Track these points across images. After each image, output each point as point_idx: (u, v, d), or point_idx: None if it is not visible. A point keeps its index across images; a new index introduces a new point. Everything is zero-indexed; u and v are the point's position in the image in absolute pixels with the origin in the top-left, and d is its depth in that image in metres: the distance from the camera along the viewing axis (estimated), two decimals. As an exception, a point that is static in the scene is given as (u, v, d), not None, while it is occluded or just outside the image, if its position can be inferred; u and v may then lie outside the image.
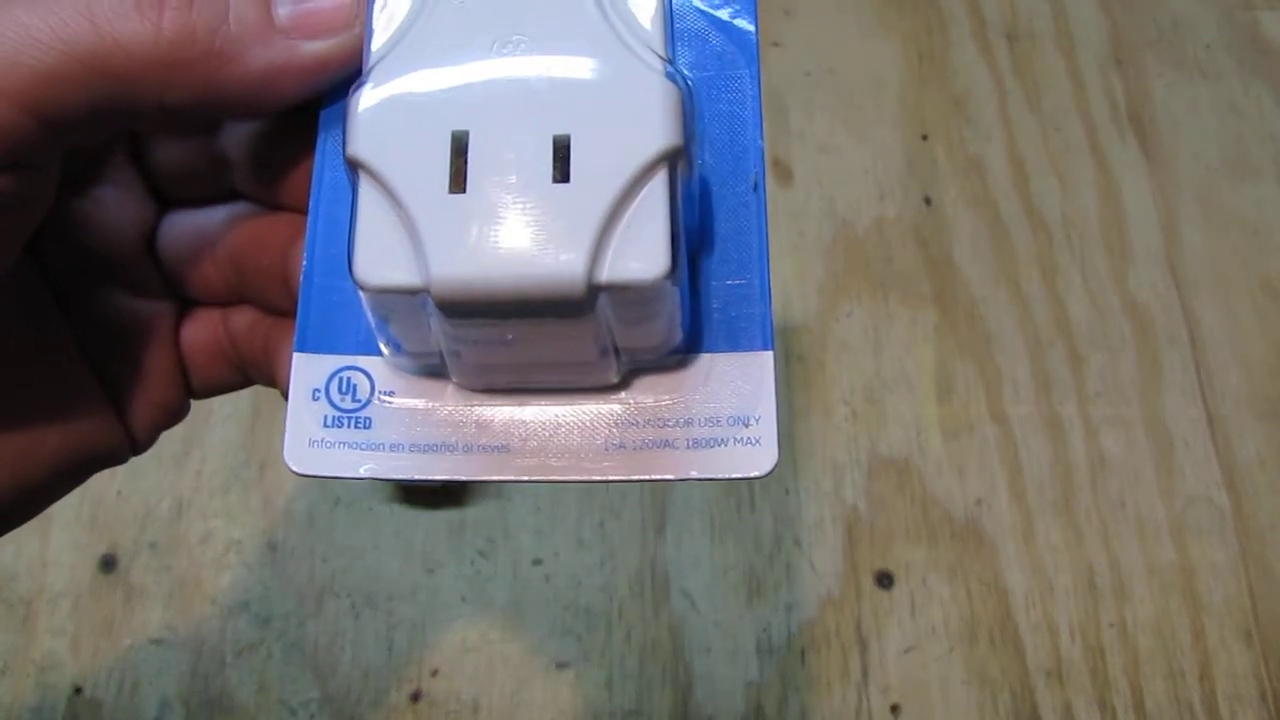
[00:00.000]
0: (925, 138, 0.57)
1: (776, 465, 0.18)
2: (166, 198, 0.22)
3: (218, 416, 0.49)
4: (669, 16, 0.19)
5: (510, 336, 0.17)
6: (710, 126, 0.20)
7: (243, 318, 0.23)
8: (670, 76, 0.18)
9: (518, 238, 0.16)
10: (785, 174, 0.56)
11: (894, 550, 0.47)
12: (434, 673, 0.45)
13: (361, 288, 0.17)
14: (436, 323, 0.17)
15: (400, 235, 0.17)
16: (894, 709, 0.44)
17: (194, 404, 0.25)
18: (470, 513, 0.48)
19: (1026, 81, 0.59)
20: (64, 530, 0.47)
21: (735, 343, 0.19)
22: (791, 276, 0.53)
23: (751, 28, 0.20)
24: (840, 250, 0.54)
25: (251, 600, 0.46)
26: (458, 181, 0.17)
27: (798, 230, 0.54)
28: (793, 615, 0.46)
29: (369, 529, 0.47)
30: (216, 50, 0.17)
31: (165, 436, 0.52)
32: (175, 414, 0.23)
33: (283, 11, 0.18)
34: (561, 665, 0.45)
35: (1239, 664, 0.45)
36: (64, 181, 0.19)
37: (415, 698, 0.44)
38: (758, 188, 0.19)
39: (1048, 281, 0.53)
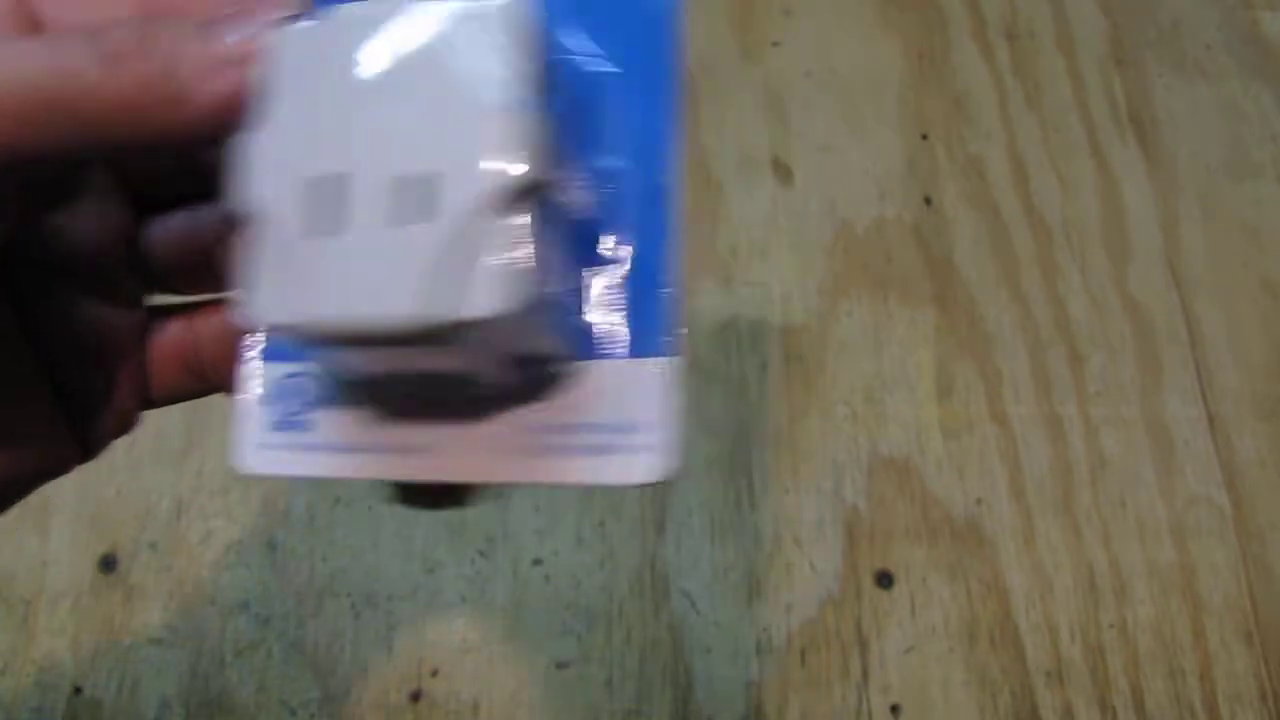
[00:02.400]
0: (925, 138, 0.57)
1: (669, 474, 0.18)
2: (145, 202, 0.23)
3: (218, 416, 0.49)
4: (538, 47, 0.19)
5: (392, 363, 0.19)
6: (621, 122, 0.20)
7: (210, 323, 0.23)
8: (528, 106, 0.18)
9: (371, 277, 0.17)
10: (785, 174, 0.56)
11: (894, 550, 0.47)
12: (434, 673, 0.45)
13: (248, 327, 0.19)
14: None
15: (275, 276, 0.18)
16: (894, 709, 0.44)
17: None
18: (470, 513, 0.47)
19: (1026, 81, 0.59)
20: (64, 530, 0.47)
21: (634, 349, 0.19)
22: (791, 276, 0.53)
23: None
24: (840, 250, 0.54)
25: (251, 600, 0.46)
26: (317, 223, 0.18)
27: (798, 230, 0.54)
28: (793, 615, 0.46)
29: (369, 529, 0.47)
30: (173, 96, 0.18)
31: (165, 436, 0.52)
32: (130, 424, 0.24)
33: (230, 39, 0.18)
34: (561, 665, 0.45)
35: (1239, 664, 0.45)
36: (38, 196, 0.19)
37: (415, 698, 0.44)
38: (666, 192, 0.19)
39: (1048, 281, 0.53)
